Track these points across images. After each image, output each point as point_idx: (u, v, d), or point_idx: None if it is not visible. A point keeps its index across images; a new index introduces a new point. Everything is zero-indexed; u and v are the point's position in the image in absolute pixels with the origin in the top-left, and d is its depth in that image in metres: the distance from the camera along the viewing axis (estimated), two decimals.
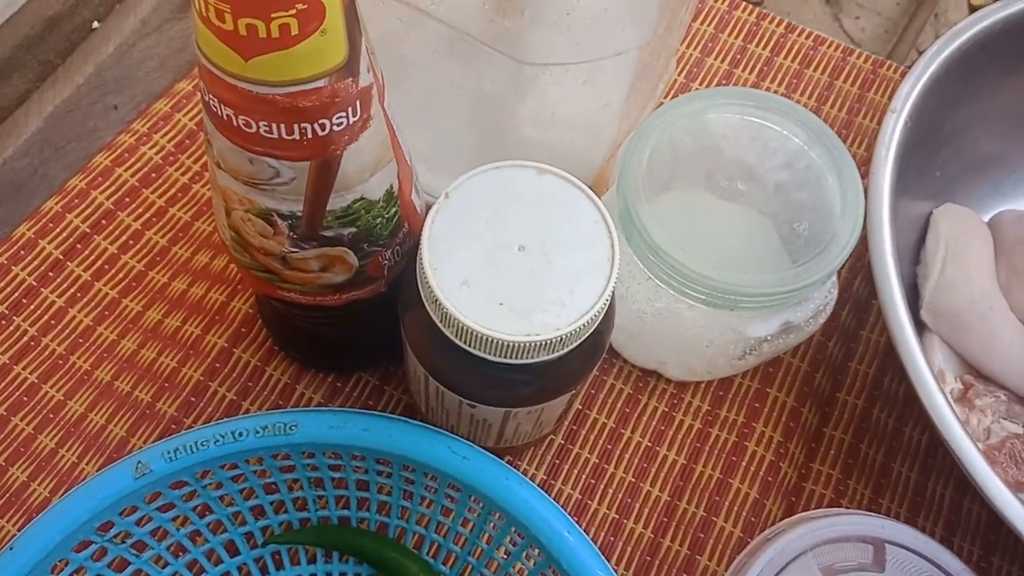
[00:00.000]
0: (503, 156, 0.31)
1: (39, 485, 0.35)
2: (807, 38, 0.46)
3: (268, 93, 0.20)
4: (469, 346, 0.25)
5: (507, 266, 0.25)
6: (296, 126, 0.21)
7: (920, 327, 0.39)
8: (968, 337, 0.38)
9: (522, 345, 0.24)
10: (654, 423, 0.37)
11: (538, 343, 0.24)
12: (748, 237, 0.32)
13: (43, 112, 0.42)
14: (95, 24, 0.46)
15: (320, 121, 0.21)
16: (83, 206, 0.41)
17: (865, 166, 0.41)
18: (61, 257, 0.40)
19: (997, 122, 0.41)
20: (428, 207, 0.29)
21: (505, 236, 0.25)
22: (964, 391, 0.37)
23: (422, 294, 0.26)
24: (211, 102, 0.21)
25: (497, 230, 0.25)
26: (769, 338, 0.30)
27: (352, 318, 0.31)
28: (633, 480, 0.36)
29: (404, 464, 0.28)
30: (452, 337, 0.25)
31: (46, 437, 0.36)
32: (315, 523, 0.32)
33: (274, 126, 0.21)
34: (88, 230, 0.41)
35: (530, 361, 0.25)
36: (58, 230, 0.40)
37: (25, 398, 0.37)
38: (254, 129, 0.21)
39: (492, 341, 0.24)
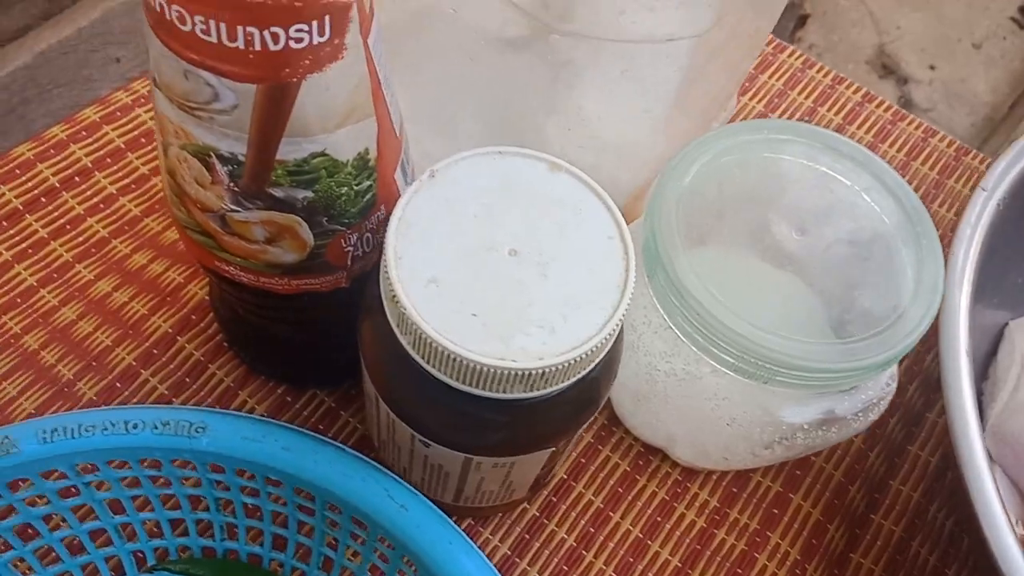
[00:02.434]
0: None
1: None
2: (885, 110, 0.41)
3: None
4: (427, 362, 0.20)
5: (490, 270, 0.20)
6: (240, 29, 0.16)
7: None
8: None
9: (492, 372, 0.19)
10: (650, 511, 0.31)
11: (512, 372, 0.19)
12: (789, 293, 0.26)
13: (35, 48, 0.38)
14: None
15: (272, 29, 0.16)
16: (58, 157, 0.37)
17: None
18: (21, 208, 0.36)
19: None
20: None
21: (495, 235, 0.20)
22: None
23: (381, 288, 0.21)
24: None
25: (487, 226, 0.20)
26: (806, 427, 0.24)
27: (306, 316, 0.26)
28: (614, 575, 0.30)
29: (329, 502, 0.23)
30: (408, 348, 0.20)
31: None
32: (221, 555, 0.26)
33: (212, 24, 0.16)
34: (57, 184, 0.36)
35: (501, 396, 0.20)
36: (25, 178, 0.36)
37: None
38: (188, 26, 0.16)
39: (455, 360, 0.19)
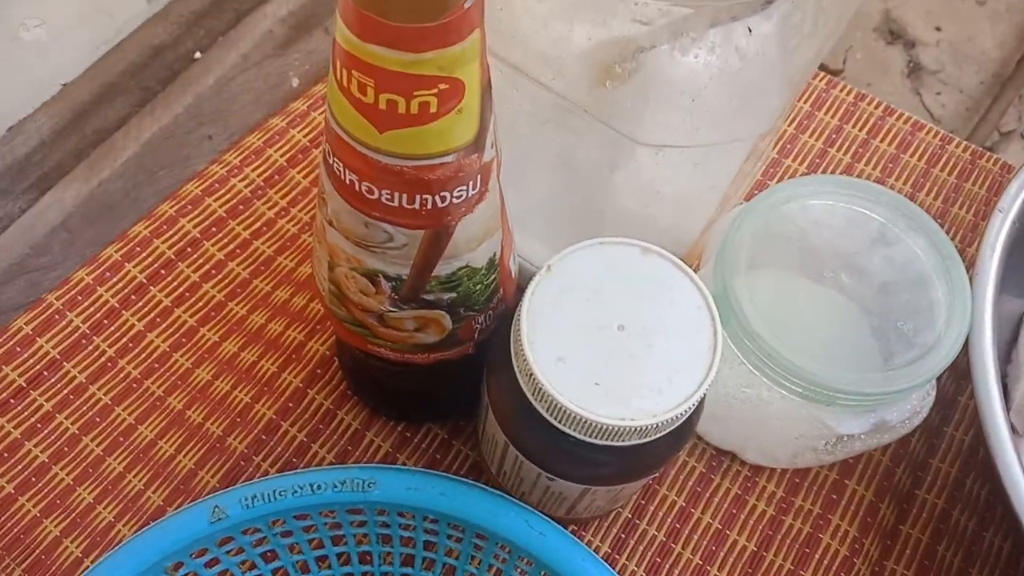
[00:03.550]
0: (595, 226, 0.31)
1: (104, 509, 0.35)
2: (905, 123, 0.45)
3: (396, 164, 0.20)
4: (561, 423, 0.24)
5: (605, 346, 0.24)
6: (418, 196, 0.21)
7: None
8: None
9: (616, 428, 0.24)
10: (726, 505, 0.36)
11: (632, 428, 0.24)
12: (842, 327, 0.31)
13: (141, 137, 0.43)
14: (197, 55, 0.47)
15: (442, 194, 0.21)
16: (170, 232, 0.42)
17: (961, 256, 0.40)
18: (145, 281, 0.40)
19: None
20: (521, 271, 0.29)
21: (605, 315, 0.25)
22: None
23: (515, 366, 0.25)
24: (335, 165, 0.21)
25: (597, 308, 0.25)
26: (863, 436, 0.29)
27: (433, 375, 0.31)
28: (700, 563, 0.35)
29: (477, 533, 0.28)
30: (543, 412, 0.25)
31: (115, 460, 0.36)
32: None
33: (396, 195, 0.21)
34: (173, 256, 0.41)
35: (620, 444, 0.25)
36: (144, 254, 0.41)
37: (98, 419, 0.37)
38: (376, 196, 0.21)
39: (585, 422, 0.24)
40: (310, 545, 0.30)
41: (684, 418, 0.25)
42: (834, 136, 0.45)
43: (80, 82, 0.45)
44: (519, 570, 0.29)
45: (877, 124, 0.45)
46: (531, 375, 0.24)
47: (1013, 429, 0.37)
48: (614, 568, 0.35)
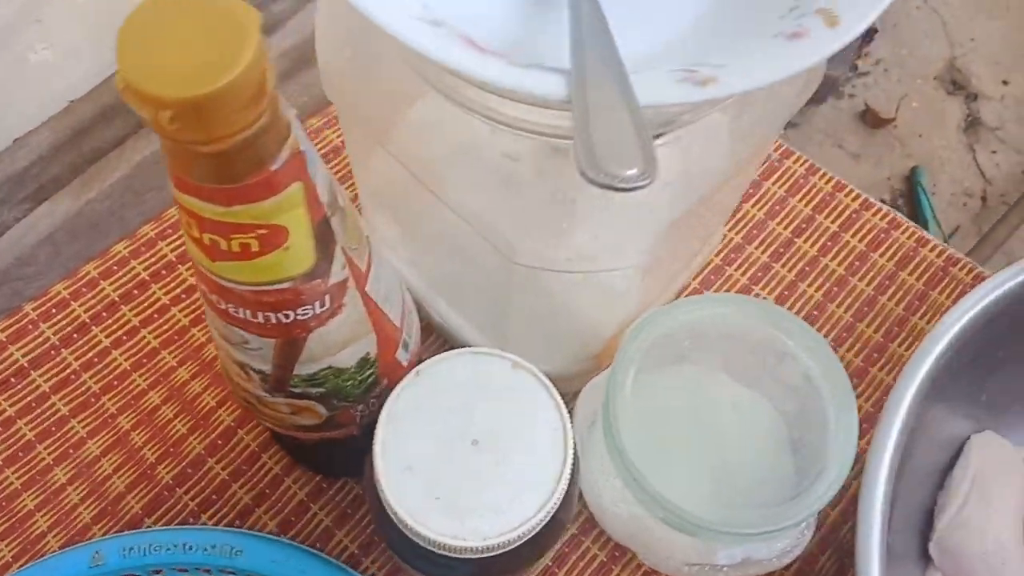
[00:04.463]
0: (512, 313, 0.32)
1: (42, 518, 0.37)
2: (882, 219, 0.44)
3: (233, 287, 0.21)
4: (403, 529, 0.25)
5: (455, 459, 0.25)
6: (260, 313, 0.22)
7: (926, 559, 0.37)
8: None
9: (448, 546, 0.24)
10: None
11: (464, 547, 0.24)
12: (759, 417, 0.31)
13: (133, 159, 0.46)
14: None
15: (284, 312, 0.22)
16: (148, 254, 0.44)
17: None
18: (117, 299, 0.43)
19: None
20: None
21: (462, 427, 0.26)
22: None
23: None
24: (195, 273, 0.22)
25: (456, 419, 0.26)
26: (727, 568, 0.29)
27: (330, 444, 0.32)
28: None
29: None
30: (390, 514, 0.26)
31: (61, 471, 0.39)
32: None
33: (241, 310, 0.22)
34: (147, 278, 0.43)
35: (461, 556, 0.25)
36: (120, 273, 0.43)
37: (54, 428, 0.40)
38: (224, 306, 0.22)
39: (419, 534, 0.25)
40: None
41: (523, 540, 0.25)
42: (804, 226, 0.44)
43: (84, 101, 0.47)
44: None
45: (852, 217, 0.44)
46: (375, 482, 0.25)
47: (929, 559, 0.37)
48: None
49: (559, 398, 0.26)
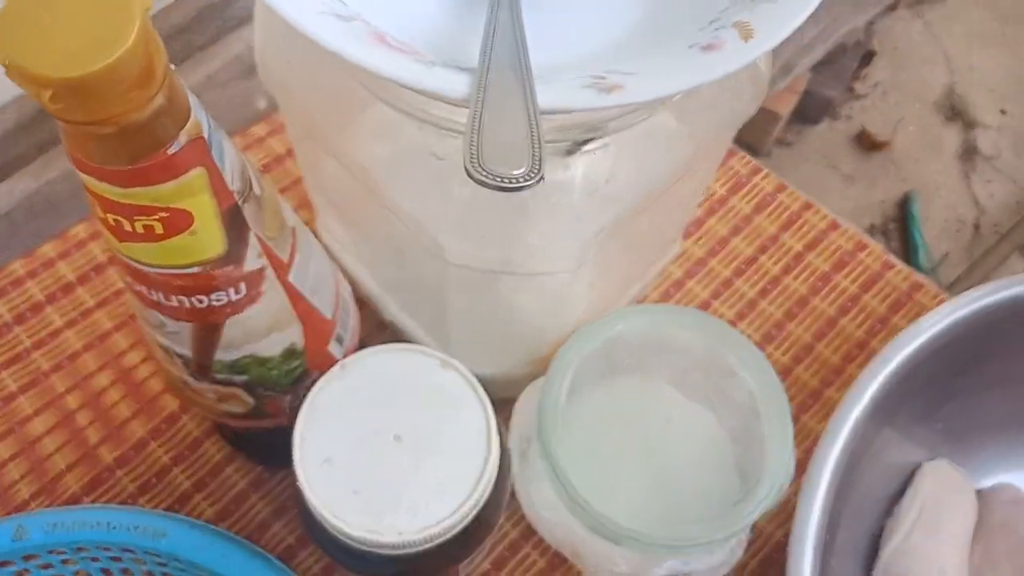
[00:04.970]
0: (453, 314, 0.31)
1: None
2: (847, 240, 0.44)
3: (142, 269, 0.21)
4: (321, 521, 0.25)
5: (376, 455, 0.25)
6: (173, 296, 0.22)
7: None
8: None
9: (364, 540, 0.24)
10: None
11: (379, 543, 0.24)
12: (705, 431, 0.31)
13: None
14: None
15: (197, 296, 0.22)
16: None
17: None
18: (74, 281, 0.43)
19: (1017, 386, 0.38)
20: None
21: (385, 423, 0.25)
22: None
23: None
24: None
25: (380, 414, 0.26)
26: None
27: (268, 434, 0.32)
28: None
29: None
30: (311, 508, 0.26)
31: (3, 446, 0.38)
32: None
33: (154, 292, 0.22)
34: (105, 261, 0.43)
35: (381, 552, 0.25)
36: (78, 255, 0.43)
37: (1, 403, 0.39)
38: (138, 289, 0.22)
39: (335, 528, 0.24)
40: (121, 574, 0.31)
41: (439, 540, 0.25)
42: (768, 244, 0.44)
43: None
44: None
45: (818, 237, 0.44)
46: (295, 472, 0.25)
47: None
48: None
49: (486, 399, 0.26)
